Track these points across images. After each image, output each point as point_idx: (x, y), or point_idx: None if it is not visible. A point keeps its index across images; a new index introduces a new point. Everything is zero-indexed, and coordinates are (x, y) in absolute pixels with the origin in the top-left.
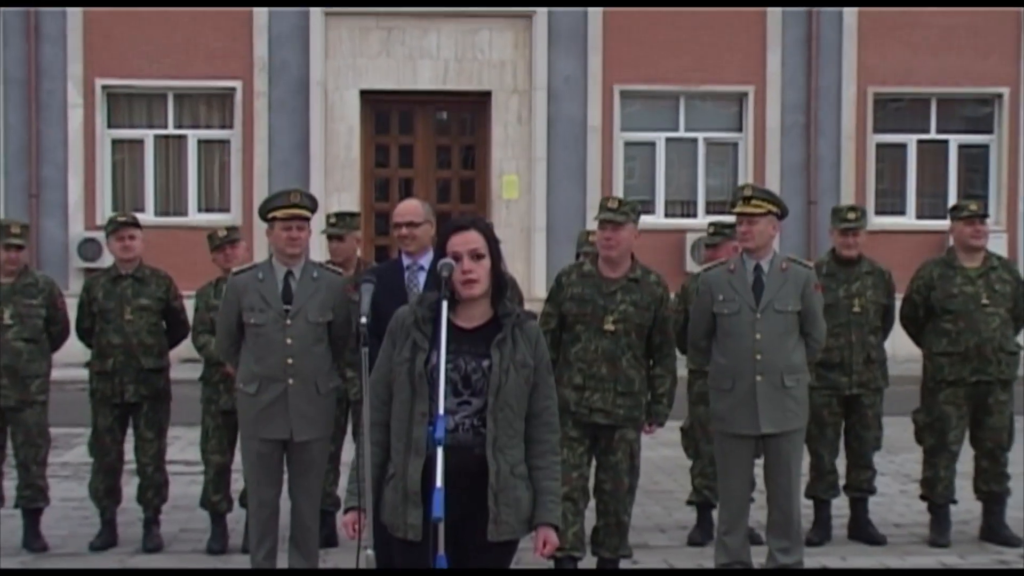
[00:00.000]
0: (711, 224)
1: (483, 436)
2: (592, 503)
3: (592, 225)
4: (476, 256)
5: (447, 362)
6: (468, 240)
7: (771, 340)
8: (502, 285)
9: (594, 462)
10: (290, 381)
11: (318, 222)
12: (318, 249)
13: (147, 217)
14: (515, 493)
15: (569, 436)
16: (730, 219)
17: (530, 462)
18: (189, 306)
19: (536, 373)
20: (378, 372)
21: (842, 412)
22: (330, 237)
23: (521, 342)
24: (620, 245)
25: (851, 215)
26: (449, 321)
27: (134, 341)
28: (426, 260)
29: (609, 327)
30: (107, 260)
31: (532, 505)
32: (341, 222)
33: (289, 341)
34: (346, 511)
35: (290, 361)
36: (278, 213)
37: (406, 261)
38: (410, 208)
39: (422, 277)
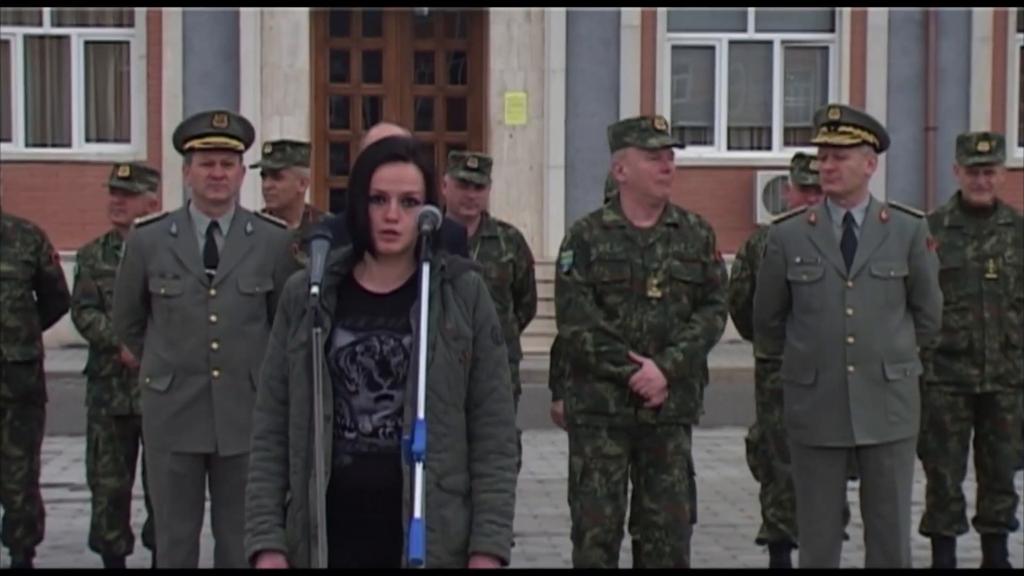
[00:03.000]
0: (801, 156)
1: None
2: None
3: None
4: (408, 201)
5: (358, 343)
6: (403, 177)
7: (867, 317)
8: (435, 238)
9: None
10: (214, 373)
11: (254, 158)
12: (253, 195)
13: (13, 148)
14: (440, 512)
15: (603, 454)
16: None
17: (471, 467)
18: (70, 271)
19: (475, 344)
20: (271, 363)
21: (971, 417)
22: (263, 173)
23: (454, 304)
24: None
25: (984, 146)
26: (356, 286)
27: None
28: None
29: (654, 293)
30: None
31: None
32: (279, 152)
33: (213, 319)
34: (256, 556)
35: (214, 346)
36: (196, 143)
37: None
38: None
39: None
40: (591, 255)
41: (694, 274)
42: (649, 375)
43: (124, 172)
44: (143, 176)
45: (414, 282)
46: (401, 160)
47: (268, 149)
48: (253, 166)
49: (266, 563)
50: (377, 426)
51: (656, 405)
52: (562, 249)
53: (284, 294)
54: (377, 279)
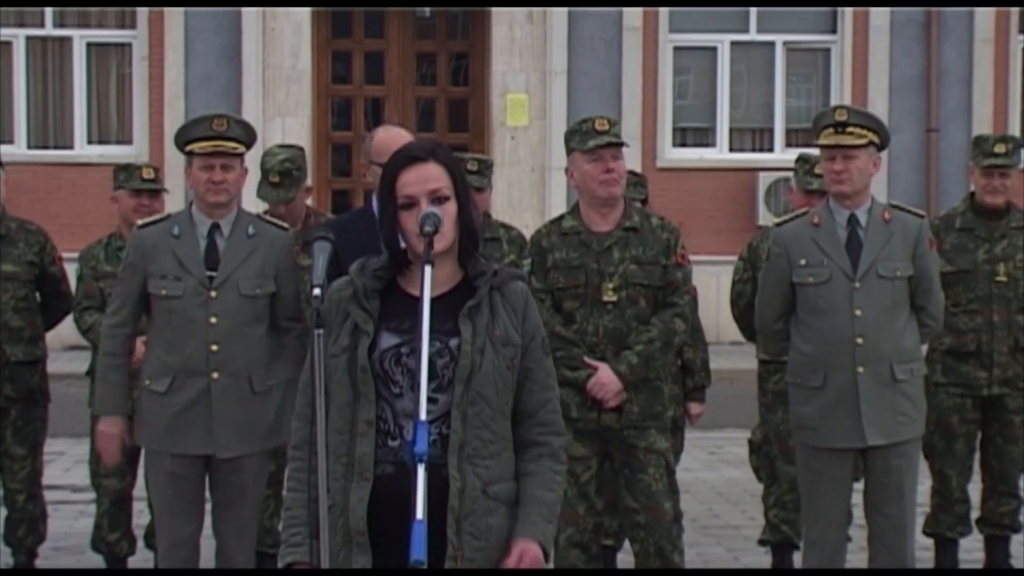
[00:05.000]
0: (805, 159)
1: None
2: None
3: (629, 163)
4: (439, 199)
5: (403, 344)
6: (426, 176)
7: (875, 317)
8: (472, 235)
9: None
10: (214, 375)
11: (256, 160)
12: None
13: (15, 150)
14: (487, 520)
15: (570, 456)
16: None
17: (520, 468)
18: (72, 272)
19: (527, 354)
20: (309, 372)
21: (978, 419)
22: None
23: (502, 310)
24: (622, 178)
25: (1001, 148)
26: (401, 290)
27: None
28: None
29: (609, 297)
30: None
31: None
32: (286, 179)
33: (213, 320)
34: (288, 567)
35: (214, 348)
36: (196, 146)
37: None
38: (404, 140)
39: None
40: (547, 262)
41: (652, 278)
42: (603, 379)
43: (149, 174)
44: (160, 175)
45: (460, 287)
46: (421, 161)
47: (275, 179)
48: (261, 196)
49: None
50: None
51: (613, 408)
52: (523, 257)
53: (325, 300)
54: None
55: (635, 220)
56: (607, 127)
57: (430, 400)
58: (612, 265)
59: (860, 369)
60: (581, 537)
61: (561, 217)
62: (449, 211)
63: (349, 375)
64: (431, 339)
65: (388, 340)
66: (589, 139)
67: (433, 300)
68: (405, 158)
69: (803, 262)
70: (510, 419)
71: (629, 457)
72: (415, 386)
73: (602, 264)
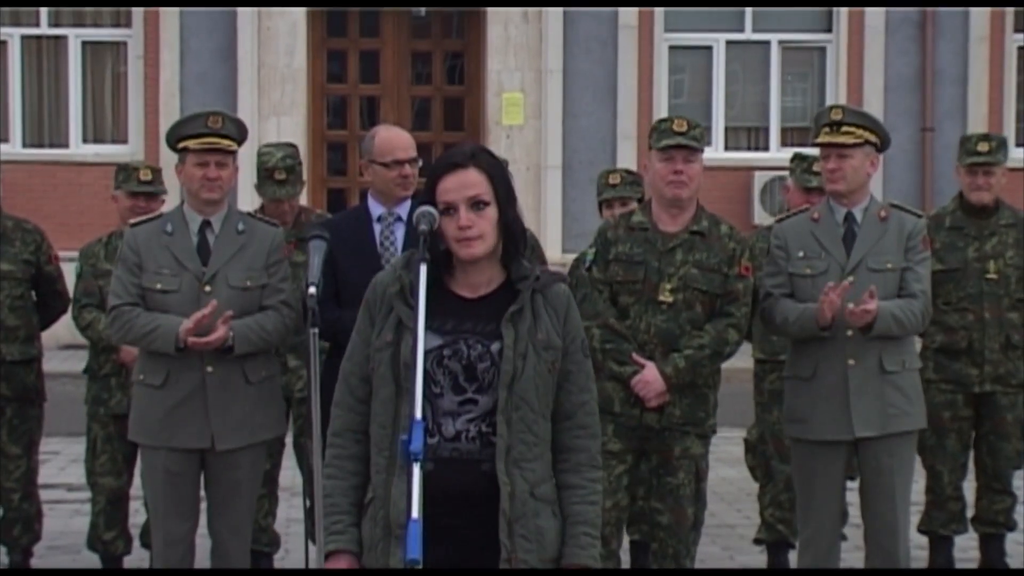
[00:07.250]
0: (802, 158)
1: (494, 447)
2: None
3: (624, 162)
4: (477, 205)
5: (445, 346)
6: (465, 183)
7: None
8: (516, 237)
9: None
10: (208, 369)
11: (250, 158)
12: (250, 196)
13: (11, 148)
14: (536, 522)
15: (606, 450)
16: None
17: (561, 478)
18: (69, 271)
19: (567, 357)
20: (352, 360)
21: (970, 416)
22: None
23: (544, 315)
24: (693, 182)
25: (983, 147)
26: (446, 289)
27: None
28: (404, 208)
29: (665, 297)
30: None
31: (560, 539)
32: (291, 176)
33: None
34: (329, 556)
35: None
36: (191, 143)
37: (377, 210)
38: (408, 140)
39: (401, 231)
40: (610, 253)
41: (711, 284)
42: (647, 378)
43: (147, 176)
44: (160, 176)
45: (504, 288)
46: (460, 167)
47: (281, 175)
48: (265, 195)
49: (341, 563)
50: (460, 430)
51: (655, 408)
52: (590, 246)
53: (369, 292)
54: (464, 283)
55: (704, 225)
56: (684, 129)
57: (470, 401)
58: (673, 266)
59: (851, 362)
60: (603, 530)
61: (632, 212)
62: (489, 216)
63: (392, 370)
64: (473, 341)
65: (430, 341)
66: (663, 138)
67: (475, 301)
68: (446, 164)
69: (801, 254)
70: (550, 420)
71: (664, 458)
72: (455, 387)
73: (663, 264)
